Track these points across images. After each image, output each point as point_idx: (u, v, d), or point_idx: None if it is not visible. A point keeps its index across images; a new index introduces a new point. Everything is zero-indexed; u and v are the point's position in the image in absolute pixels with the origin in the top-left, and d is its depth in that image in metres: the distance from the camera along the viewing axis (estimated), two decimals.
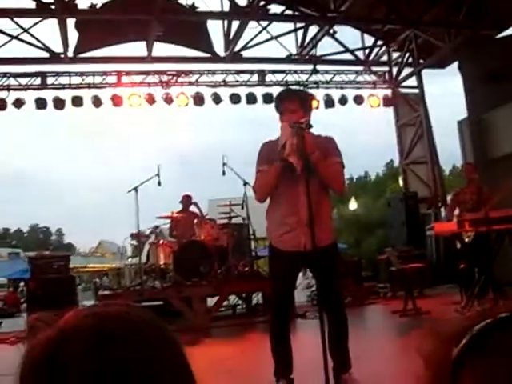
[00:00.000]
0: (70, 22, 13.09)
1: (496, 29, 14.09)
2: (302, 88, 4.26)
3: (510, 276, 9.18)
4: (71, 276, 10.22)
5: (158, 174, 10.11)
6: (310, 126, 4.08)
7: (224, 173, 10.22)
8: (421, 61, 15.97)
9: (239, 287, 10.18)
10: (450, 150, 18.34)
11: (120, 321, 0.80)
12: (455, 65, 15.68)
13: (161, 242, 10.48)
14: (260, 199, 4.18)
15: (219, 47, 14.61)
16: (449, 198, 10.69)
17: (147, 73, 14.79)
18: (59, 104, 13.82)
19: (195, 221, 10.72)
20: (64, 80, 14.23)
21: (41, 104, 13.75)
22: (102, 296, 9.87)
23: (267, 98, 14.62)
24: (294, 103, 4.13)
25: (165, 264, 10.10)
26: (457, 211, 9.01)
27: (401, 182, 17.76)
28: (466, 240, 8.62)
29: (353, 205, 34.10)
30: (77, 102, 13.87)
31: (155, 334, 0.83)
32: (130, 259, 13.44)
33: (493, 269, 8.10)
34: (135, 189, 9.68)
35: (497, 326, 0.68)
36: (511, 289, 8.25)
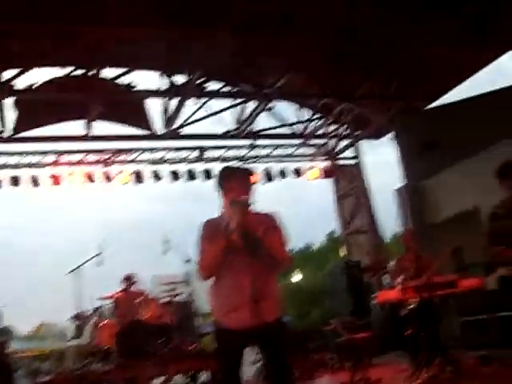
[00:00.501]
0: (7, 102, 13.02)
1: (426, 100, 14.63)
2: (241, 165, 4.28)
3: (455, 339, 9.26)
4: (7, 363, 9.79)
5: (98, 254, 9.97)
6: (250, 204, 4.09)
7: (165, 252, 10.16)
8: (357, 132, 16.40)
9: (186, 366, 9.93)
10: (391, 218, 18.64)
11: None
12: (390, 135, 16.18)
13: (102, 322, 10.22)
14: (205, 279, 4.13)
15: (158, 125, 14.71)
16: (390, 264, 10.76)
17: (87, 152, 14.71)
18: None
19: (137, 300, 10.51)
20: (1, 160, 14.03)
21: None
22: (40, 383, 9.48)
23: (207, 174, 14.72)
24: (235, 181, 4.13)
25: (107, 345, 9.82)
26: (400, 278, 9.07)
27: (343, 252, 17.90)
28: (411, 307, 8.67)
29: (296, 277, 34.06)
30: (14, 181, 13.65)
31: None
32: (71, 341, 13.04)
33: (439, 334, 8.15)
34: (74, 270, 9.50)
35: None
36: (457, 352, 8.29)
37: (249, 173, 4.35)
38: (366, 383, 8.38)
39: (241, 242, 3.91)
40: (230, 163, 15.08)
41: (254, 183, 4.28)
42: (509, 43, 12.23)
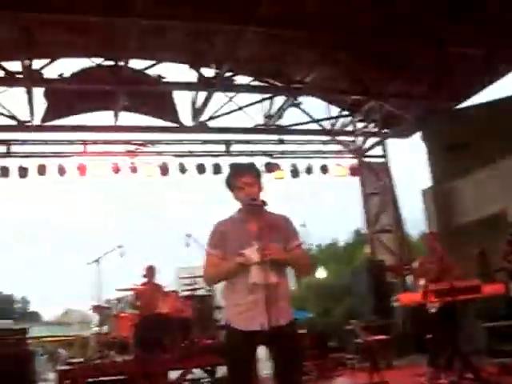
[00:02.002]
0: (36, 91, 13.12)
1: (456, 100, 14.45)
2: (251, 162, 4.28)
3: (476, 345, 9.14)
4: (29, 350, 9.88)
5: (120, 246, 10.02)
6: (265, 204, 4.06)
7: (188, 244, 10.18)
8: (386, 130, 16.26)
9: (203, 360, 9.92)
10: (418, 216, 18.50)
11: None
12: (419, 134, 16.03)
13: (122, 314, 10.27)
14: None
15: (186, 117, 14.73)
16: (413, 266, 10.67)
17: (113, 142, 14.78)
18: (23, 172, 13.68)
19: (158, 293, 10.53)
20: (29, 148, 14.15)
21: (4, 172, 13.60)
22: (59, 371, 9.53)
23: None
24: (249, 176, 4.10)
25: (126, 337, 9.85)
26: (422, 281, 8.97)
27: (367, 250, 17.80)
28: (432, 310, 8.57)
29: (321, 273, 33.95)
30: (41, 170, 13.74)
31: None
32: (95, 328, 13.16)
33: (459, 339, 8.05)
34: (97, 260, 9.55)
35: None
36: (477, 358, 8.19)
37: (254, 168, 4.31)
38: None
39: (257, 254, 3.88)
40: (257, 158, 15.08)
41: (259, 177, 4.23)
42: None
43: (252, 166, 4.36)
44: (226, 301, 4.14)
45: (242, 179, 4.09)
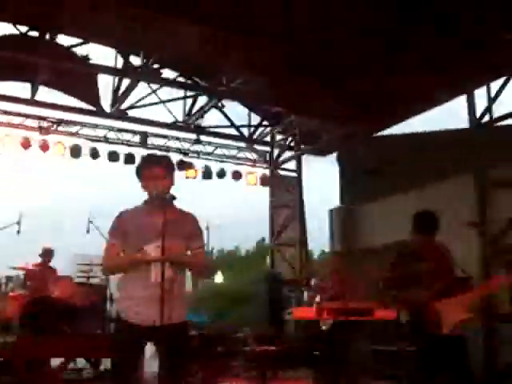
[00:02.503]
0: None
1: (376, 127, 14.73)
2: (165, 155, 4.22)
3: (364, 367, 9.33)
4: None
5: (18, 222, 9.68)
6: (174, 198, 4.02)
7: (88, 231, 9.98)
8: (302, 146, 16.43)
9: (88, 350, 9.69)
10: (320, 235, 18.76)
11: None
12: (335, 154, 16.27)
13: (11, 293, 9.91)
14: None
15: (105, 102, 14.43)
16: (312, 282, 10.82)
17: (27, 116, 14.31)
18: None
19: (51, 276, 10.24)
20: None
21: None
22: None
23: None
24: (160, 168, 4.04)
25: (10, 317, 9.50)
26: (318, 298, 9.10)
27: (268, 262, 17.93)
28: (324, 327, 8.69)
29: (218, 277, 33.97)
30: None
31: None
32: None
33: (348, 359, 8.18)
34: None
35: None
36: (364, 379, 8.35)
37: (167, 161, 4.27)
38: None
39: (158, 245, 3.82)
40: (172, 154, 14.93)
41: (172, 171, 4.20)
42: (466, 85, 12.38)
43: (164, 158, 4.32)
44: (120, 293, 4.07)
45: (152, 170, 4.04)
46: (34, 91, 13.69)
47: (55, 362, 9.25)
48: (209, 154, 16.29)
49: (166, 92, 14.94)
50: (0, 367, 9.26)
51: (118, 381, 3.99)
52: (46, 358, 8.78)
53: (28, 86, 13.73)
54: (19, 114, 14.28)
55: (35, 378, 8.36)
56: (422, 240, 5.89)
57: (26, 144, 13.85)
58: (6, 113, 14.11)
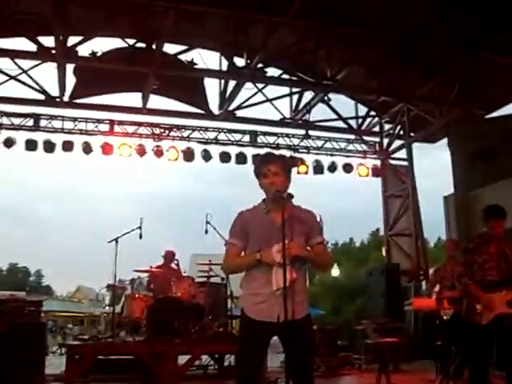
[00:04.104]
0: (69, 67, 13.22)
1: (486, 109, 14.32)
2: (281, 153, 4.29)
3: None
4: (42, 323, 9.97)
5: (140, 227, 10.07)
6: (292, 197, 4.06)
7: (207, 231, 10.22)
8: (412, 134, 16.18)
9: (212, 347, 9.98)
10: (436, 222, 18.41)
11: None
12: (445, 140, 15.91)
13: (136, 295, 10.33)
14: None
15: (214, 105, 14.77)
16: (431, 272, 10.64)
17: (140, 124, 14.87)
18: (49, 147, 13.87)
19: (173, 277, 10.59)
20: (57, 124, 14.29)
21: (31, 145, 13.79)
22: (70, 346, 9.63)
23: None
24: (276, 166, 4.07)
25: (138, 317, 9.92)
26: (437, 288, 8.95)
27: (383, 253, 17.76)
28: (444, 317, 8.55)
29: (335, 271, 33.95)
30: (67, 146, 13.93)
31: None
32: (106, 307, 13.24)
33: (469, 349, 8.00)
34: (116, 240, 9.60)
35: None
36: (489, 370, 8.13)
37: (284, 159, 4.31)
38: None
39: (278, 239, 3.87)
40: (282, 151, 15.06)
41: (291, 169, 4.24)
42: None
43: (281, 156, 4.37)
44: (244, 290, 4.15)
45: (269, 167, 4.07)
46: (145, 100, 14.20)
47: (181, 359, 9.57)
48: (318, 148, 16.29)
49: (272, 90, 15.11)
50: (131, 364, 9.73)
51: (242, 376, 4.08)
52: (173, 356, 9.08)
53: (139, 95, 14.25)
54: (133, 123, 14.83)
55: (163, 374, 8.69)
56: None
57: (142, 151, 14.37)
58: (120, 123, 14.68)
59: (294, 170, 14.59)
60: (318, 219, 4.23)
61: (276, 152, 4.56)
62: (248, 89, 14.17)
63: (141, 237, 10.09)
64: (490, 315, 5.90)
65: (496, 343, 6.22)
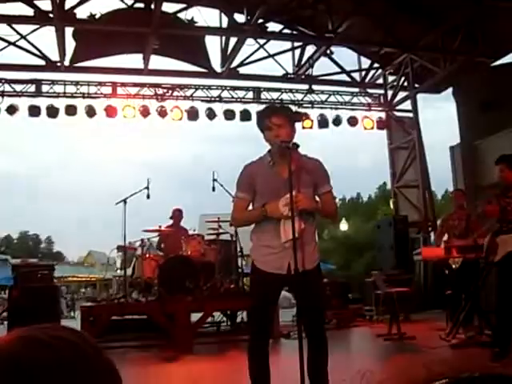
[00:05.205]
0: (68, 31, 13.10)
1: (491, 57, 14.16)
2: (284, 104, 4.27)
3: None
4: (55, 286, 10.10)
5: (147, 187, 10.07)
6: (297, 146, 4.05)
7: (214, 189, 10.20)
8: (416, 85, 16.05)
9: (224, 304, 10.09)
10: (442, 174, 18.39)
11: (48, 348, 0.80)
12: (450, 90, 15.77)
13: (147, 255, 10.40)
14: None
15: (216, 63, 14.66)
16: (438, 222, 10.65)
17: (142, 85, 14.79)
18: (53, 112, 13.82)
19: (183, 235, 10.64)
20: (59, 88, 14.21)
21: (34, 111, 13.74)
22: (83, 307, 9.74)
23: None
24: (280, 118, 4.03)
25: (150, 278, 10.00)
26: (445, 237, 8.98)
27: (391, 205, 17.78)
28: (454, 266, 8.58)
29: (343, 226, 34.07)
30: (70, 110, 13.87)
31: (83, 364, 0.81)
32: (118, 271, 13.35)
33: (479, 296, 8.07)
34: (124, 201, 9.62)
35: None
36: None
37: (288, 110, 4.29)
38: (402, 338, 8.40)
39: (285, 190, 3.87)
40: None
41: (296, 121, 4.22)
42: None
43: (284, 107, 4.35)
44: (254, 242, 4.17)
45: (272, 119, 4.03)
46: (146, 61, 14.10)
47: (194, 317, 9.68)
48: (322, 102, 16.20)
49: (274, 45, 14.98)
50: (145, 324, 9.86)
51: (255, 328, 4.11)
52: (185, 314, 9.18)
53: (140, 56, 14.14)
54: (135, 85, 14.75)
55: (176, 332, 8.79)
56: None
57: (145, 112, 14.34)
58: (123, 85, 14.60)
59: (299, 124, 14.53)
60: (325, 167, 4.22)
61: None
62: (250, 45, 14.05)
63: (148, 197, 10.09)
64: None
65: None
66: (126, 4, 13.26)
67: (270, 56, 14.93)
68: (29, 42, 13.34)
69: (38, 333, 0.83)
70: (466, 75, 14.16)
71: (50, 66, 13.74)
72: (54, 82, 14.20)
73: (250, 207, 4.15)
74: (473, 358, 6.44)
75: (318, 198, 4.14)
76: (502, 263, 6.34)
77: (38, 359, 0.77)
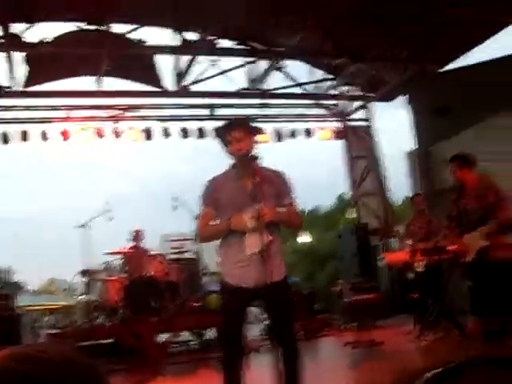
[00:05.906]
0: (16, 55, 12.92)
1: (441, 63, 14.41)
2: (242, 118, 4.29)
3: (461, 304, 9.26)
4: (15, 315, 9.89)
5: (108, 210, 9.99)
6: (256, 157, 4.06)
7: (175, 208, 10.16)
8: (370, 94, 16.23)
9: (191, 323, 10.01)
10: (402, 180, 18.58)
11: (38, 361, 0.84)
12: (404, 97, 15.99)
13: (111, 278, 10.29)
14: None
15: (170, 82, 14.60)
16: (400, 228, 10.79)
17: (96, 107, 14.65)
18: (5, 139, 13.57)
19: (145, 256, 10.55)
20: (11, 115, 13.96)
21: None
22: (48, 335, 9.57)
23: None
24: (240, 131, 4.08)
25: (115, 301, 9.88)
26: (409, 241, 9.09)
27: (352, 215, 17.91)
28: (418, 270, 8.69)
29: (304, 238, 34.14)
30: (24, 136, 13.63)
31: (75, 376, 0.85)
32: (81, 296, 13.16)
33: (445, 298, 8.16)
34: (83, 225, 9.52)
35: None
36: (463, 317, 8.31)
37: (245, 122, 4.31)
38: (370, 344, 8.43)
39: (249, 201, 3.88)
40: None
41: (254, 133, 4.24)
42: None
43: (242, 120, 4.38)
44: (221, 257, 4.16)
45: (232, 133, 4.08)
46: (99, 83, 13.98)
47: (162, 337, 9.57)
48: (277, 116, 16.26)
49: (228, 61, 14.97)
50: (112, 349, 9.71)
51: (229, 345, 4.08)
52: (153, 335, 9.09)
53: (92, 79, 14.03)
54: (89, 107, 14.60)
55: (146, 354, 8.67)
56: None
57: (100, 134, 14.19)
58: (76, 108, 14.44)
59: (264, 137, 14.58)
60: (286, 179, 4.25)
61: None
62: (202, 62, 14.04)
63: (109, 220, 10.01)
64: None
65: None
66: (77, 27, 13.12)
67: (222, 72, 14.93)
68: None
69: (28, 350, 0.89)
70: (418, 82, 14.36)
71: (2, 92, 13.49)
72: (5, 109, 13.95)
73: (218, 221, 4.14)
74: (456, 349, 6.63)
75: (281, 209, 4.15)
76: (476, 262, 6.48)
77: (31, 373, 0.81)
